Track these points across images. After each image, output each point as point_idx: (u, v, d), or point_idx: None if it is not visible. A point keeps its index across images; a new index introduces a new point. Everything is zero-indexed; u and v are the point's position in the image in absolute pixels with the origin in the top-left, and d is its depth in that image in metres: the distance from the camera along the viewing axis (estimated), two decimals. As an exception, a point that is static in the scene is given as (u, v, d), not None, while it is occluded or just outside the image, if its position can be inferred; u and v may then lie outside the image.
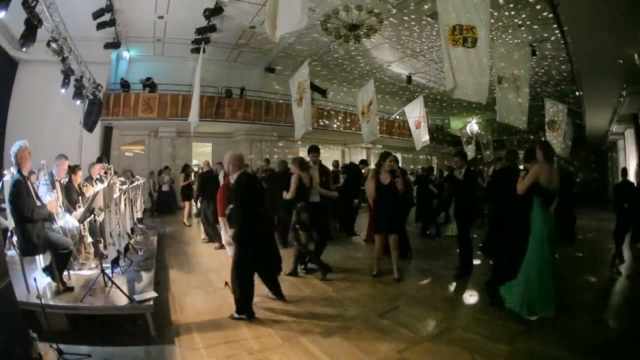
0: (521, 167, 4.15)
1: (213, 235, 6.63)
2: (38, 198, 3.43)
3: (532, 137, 18.37)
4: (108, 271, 3.57)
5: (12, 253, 3.64)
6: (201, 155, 14.32)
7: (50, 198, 3.69)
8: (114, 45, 10.45)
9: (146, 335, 2.98)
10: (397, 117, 16.11)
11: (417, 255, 5.92)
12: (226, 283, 3.78)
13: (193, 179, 9.30)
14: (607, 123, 11.78)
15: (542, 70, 12.81)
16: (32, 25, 5.66)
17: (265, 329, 3.21)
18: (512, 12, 9.02)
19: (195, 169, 10.74)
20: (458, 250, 5.04)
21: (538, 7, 8.57)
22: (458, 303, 4.06)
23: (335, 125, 14.60)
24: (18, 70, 9.96)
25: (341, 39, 10.47)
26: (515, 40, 10.20)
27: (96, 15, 8.65)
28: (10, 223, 3.53)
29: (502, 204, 4.17)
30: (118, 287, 3.28)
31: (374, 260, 4.91)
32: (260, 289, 3.71)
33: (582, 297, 4.19)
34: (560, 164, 10.60)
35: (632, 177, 5.48)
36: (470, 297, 4.25)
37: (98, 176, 5.82)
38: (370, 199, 4.99)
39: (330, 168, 7.95)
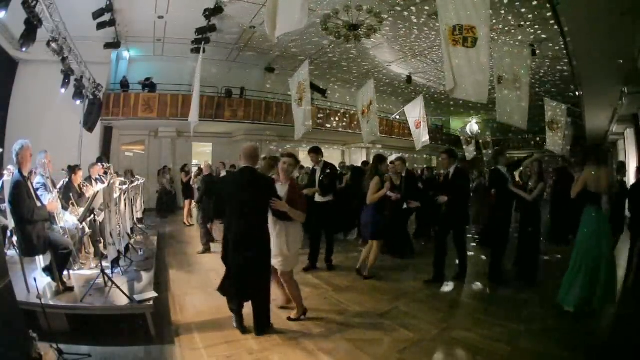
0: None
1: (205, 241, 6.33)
2: (38, 199, 3.43)
3: (530, 136, 18.42)
4: (108, 271, 3.57)
5: (12, 253, 3.64)
6: (201, 155, 14.33)
7: (49, 197, 3.67)
8: (114, 45, 10.45)
9: (146, 335, 2.98)
10: (397, 117, 16.10)
11: (418, 256, 5.93)
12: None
13: (192, 176, 9.28)
14: (607, 123, 11.77)
15: (542, 71, 12.81)
16: (32, 25, 5.66)
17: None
18: (512, 12, 9.03)
19: (195, 168, 10.74)
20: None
21: (538, 7, 8.57)
22: (458, 303, 4.06)
23: (335, 125, 14.59)
24: (18, 70, 9.95)
25: (341, 39, 10.46)
26: (516, 40, 10.20)
27: (96, 15, 8.64)
28: (10, 223, 3.53)
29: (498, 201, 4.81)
30: (118, 287, 3.28)
31: (364, 259, 4.84)
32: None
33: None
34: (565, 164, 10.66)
35: (632, 177, 5.46)
36: (470, 297, 4.26)
37: (98, 176, 5.83)
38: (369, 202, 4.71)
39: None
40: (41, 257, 3.45)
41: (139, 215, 7.66)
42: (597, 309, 3.54)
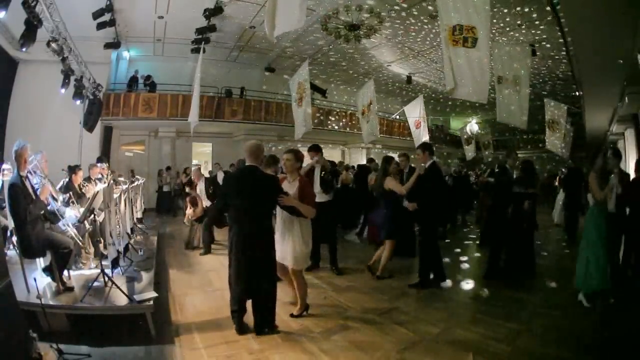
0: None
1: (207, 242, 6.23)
2: (37, 198, 3.42)
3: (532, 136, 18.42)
4: (108, 271, 3.56)
5: (12, 253, 3.64)
6: (201, 155, 14.34)
7: (43, 182, 3.59)
8: (114, 45, 10.46)
9: (146, 335, 2.98)
10: (397, 117, 16.11)
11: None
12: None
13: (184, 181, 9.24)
14: (607, 123, 11.77)
15: (542, 71, 12.81)
16: (32, 25, 5.66)
17: (265, 329, 3.20)
18: (512, 12, 9.03)
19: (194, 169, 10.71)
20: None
21: (538, 7, 8.57)
22: (458, 303, 4.05)
23: (335, 125, 14.59)
24: (18, 70, 9.95)
25: (341, 39, 10.47)
26: (516, 40, 10.21)
27: (96, 15, 8.65)
28: (10, 223, 3.53)
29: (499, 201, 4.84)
30: (118, 287, 3.28)
31: (377, 258, 4.85)
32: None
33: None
34: (568, 163, 10.69)
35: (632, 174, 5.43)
36: (470, 297, 4.26)
37: (99, 176, 5.82)
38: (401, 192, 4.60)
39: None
40: (41, 257, 3.45)
41: (139, 215, 7.65)
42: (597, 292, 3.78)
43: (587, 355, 2.82)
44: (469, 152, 15.33)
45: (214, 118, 12.20)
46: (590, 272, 3.78)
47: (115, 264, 3.93)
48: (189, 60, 11.96)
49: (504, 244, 4.81)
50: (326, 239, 5.03)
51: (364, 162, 16.14)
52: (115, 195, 4.32)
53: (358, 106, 9.58)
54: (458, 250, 6.59)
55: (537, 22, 9.34)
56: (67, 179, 4.97)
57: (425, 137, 10.96)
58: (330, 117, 14.54)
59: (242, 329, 3.10)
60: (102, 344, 2.80)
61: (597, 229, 3.88)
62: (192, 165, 11.94)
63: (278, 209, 3.28)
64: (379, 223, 4.91)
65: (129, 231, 5.25)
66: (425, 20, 9.94)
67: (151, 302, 3.13)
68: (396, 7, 9.30)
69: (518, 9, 8.67)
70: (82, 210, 4.14)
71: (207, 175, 7.81)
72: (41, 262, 3.46)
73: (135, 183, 7.19)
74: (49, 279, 3.36)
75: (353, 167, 10.25)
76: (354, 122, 14.23)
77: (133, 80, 11.99)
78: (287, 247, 3.28)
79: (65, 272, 3.60)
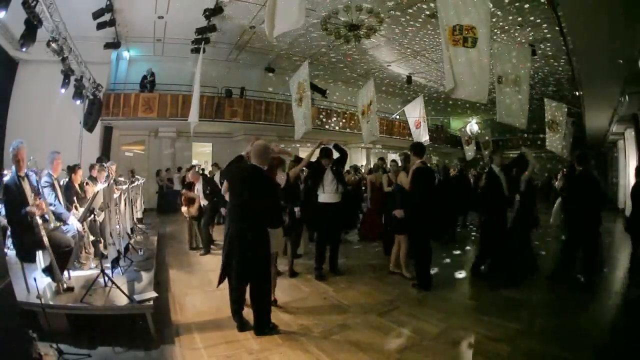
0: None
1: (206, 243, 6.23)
2: (37, 194, 3.42)
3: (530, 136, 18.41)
4: (108, 271, 3.56)
5: (12, 253, 3.64)
6: (201, 155, 14.34)
7: (39, 200, 3.47)
8: (114, 45, 10.45)
9: (146, 335, 2.98)
10: (397, 117, 16.11)
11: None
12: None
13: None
14: (607, 123, 11.78)
15: (542, 71, 12.81)
16: (32, 25, 5.66)
17: (265, 329, 3.21)
18: (512, 12, 9.03)
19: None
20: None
21: (538, 7, 8.57)
22: (458, 303, 4.05)
23: (335, 125, 14.59)
24: (18, 70, 9.94)
25: (341, 39, 10.46)
26: (516, 40, 10.20)
27: (96, 15, 8.64)
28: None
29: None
30: (118, 287, 3.28)
31: (395, 259, 4.90)
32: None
33: (583, 297, 4.19)
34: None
35: (632, 177, 5.45)
36: (471, 297, 4.26)
37: (108, 175, 5.81)
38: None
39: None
40: (41, 257, 3.45)
41: (139, 215, 7.65)
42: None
43: (587, 356, 2.82)
44: (469, 152, 15.34)
45: (214, 118, 12.19)
46: None
47: (115, 264, 3.93)
48: (189, 60, 11.95)
49: (497, 247, 4.85)
50: (331, 241, 4.92)
51: (364, 162, 16.20)
52: (115, 195, 4.32)
53: (358, 106, 9.59)
54: (458, 251, 6.59)
55: (537, 22, 9.33)
56: (67, 179, 4.95)
57: (425, 137, 10.99)
58: (330, 117, 14.53)
59: (242, 326, 3.14)
60: (102, 344, 2.80)
61: None
62: (192, 165, 11.95)
63: None
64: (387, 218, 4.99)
65: (129, 231, 5.25)
66: (425, 21, 9.93)
67: (151, 302, 3.14)
68: (397, 8, 9.30)
69: (519, 7, 8.66)
70: (81, 211, 4.14)
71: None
72: (41, 262, 3.46)
73: (135, 183, 7.19)
74: (49, 279, 3.35)
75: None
76: (354, 122, 14.23)
77: (145, 80, 12.00)
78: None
79: (65, 272, 3.60)
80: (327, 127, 14.29)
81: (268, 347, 2.88)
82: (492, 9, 7.82)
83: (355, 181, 7.91)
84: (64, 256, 3.41)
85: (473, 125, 18.25)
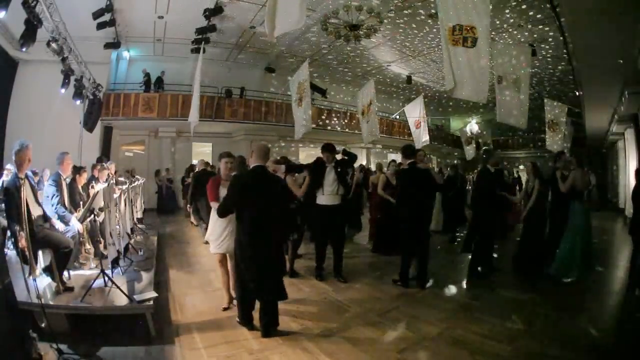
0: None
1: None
2: (37, 200, 3.42)
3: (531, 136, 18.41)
4: (108, 271, 3.56)
5: (12, 253, 3.64)
6: (201, 155, 14.30)
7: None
8: (114, 45, 10.45)
9: (146, 335, 2.98)
10: (397, 117, 16.10)
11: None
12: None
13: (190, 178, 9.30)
14: (607, 123, 11.77)
15: (542, 71, 12.80)
16: (32, 25, 5.65)
17: (265, 329, 3.20)
18: (513, 12, 9.03)
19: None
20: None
21: (538, 6, 8.57)
22: (458, 303, 4.05)
23: (335, 125, 14.59)
24: (18, 70, 9.93)
25: (341, 39, 10.46)
26: (516, 40, 10.20)
27: (96, 15, 8.64)
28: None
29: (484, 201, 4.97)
30: (118, 287, 3.28)
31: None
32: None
33: (584, 298, 4.19)
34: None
35: (632, 178, 5.45)
36: (471, 297, 4.25)
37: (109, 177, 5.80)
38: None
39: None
40: (41, 257, 3.44)
41: (139, 215, 7.65)
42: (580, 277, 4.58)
43: (587, 356, 2.82)
44: (469, 152, 15.34)
45: (214, 118, 12.19)
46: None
47: (115, 264, 3.93)
48: (189, 60, 11.95)
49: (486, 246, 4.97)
50: (333, 245, 4.72)
51: (364, 162, 16.19)
52: (115, 195, 4.32)
53: (358, 106, 9.59)
54: (458, 251, 6.58)
55: (537, 22, 9.33)
56: (70, 178, 4.90)
57: (425, 137, 10.98)
58: (330, 117, 14.52)
59: (253, 327, 3.16)
60: (102, 344, 2.80)
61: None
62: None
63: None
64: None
65: (129, 231, 5.25)
66: (425, 21, 9.93)
67: (151, 302, 3.14)
68: (397, 8, 9.29)
69: (519, 6, 8.66)
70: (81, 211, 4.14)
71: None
72: (41, 262, 3.46)
73: (136, 183, 7.18)
74: (49, 279, 3.35)
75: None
76: (354, 122, 14.22)
77: (147, 80, 12.03)
78: (230, 237, 3.43)
79: (65, 272, 3.60)
80: (327, 127, 14.28)
81: (268, 347, 2.88)
82: (494, 9, 7.82)
83: (358, 180, 7.90)
84: (63, 256, 3.41)
85: (473, 125, 18.24)
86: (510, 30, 9.91)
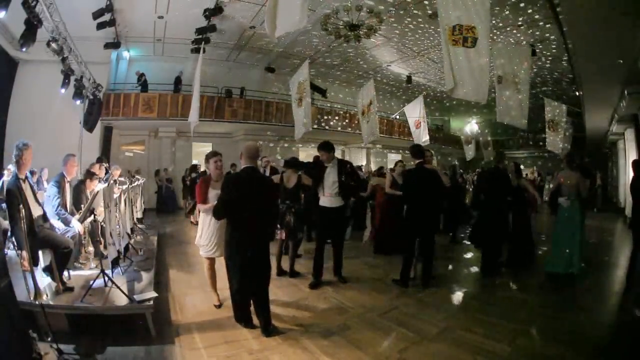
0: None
1: None
2: (37, 201, 3.41)
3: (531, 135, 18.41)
4: (108, 271, 3.56)
5: (12, 253, 3.64)
6: (201, 155, 14.30)
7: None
8: (114, 45, 10.45)
9: (146, 335, 2.98)
10: (397, 117, 16.10)
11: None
12: None
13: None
14: (607, 123, 11.77)
15: (542, 71, 12.81)
16: (32, 25, 5.65)
17: (265, 329, 3.20)
18: (513, 12, 9.03)
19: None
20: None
21: (538, 6, 8.57)
22: (458, 303, 4.06)
23: (335, 125, 14.59)
24: (18, 70, 9.94)
25: (341, 39, 10.46)
26: (516, 40, 10.20)
27: (96, 15, 8.64)
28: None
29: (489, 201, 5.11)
30: (118, 287, 3.28)
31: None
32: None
33: (584, 298, 4.19)
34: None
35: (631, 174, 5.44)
36: (471, 297, 4.26)
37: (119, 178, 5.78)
38: None
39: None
40: (41, 257, 3.44)
41: (139, 215, 7.65)
42: (574, 273, 4.74)
43: (587, 356, 2.82)
44: (469, 152, 15.34)
45: (214, 118, 12.19)
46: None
47: (115, 264, 3.92)
48: (189, 60, 11.95)
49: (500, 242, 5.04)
50: (334, 245, 4.60)
51: (364, 162, 16.20)
52: (115, 195, 4.31)
53: (358, 106, 9.59)
54: (458, 251, 6.59)
55: (537, 22, 9.34)
56: (77, 181, 4.82)
57: (425, 137, 10.98)
58: (330, 117, 14.53)
59: (252, 325, 3.17)
60: (102, 344, 2.80)
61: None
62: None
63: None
64: None
65: (129, 231, 5.25)
66: (425, 20, 9.93)
67: (151, 302, 3.13)
68: (397, 8, 9.29)
69: (519, 6, 8.66)
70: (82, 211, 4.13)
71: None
72: (41, 262, 3.46)
73: (136, 183, 7.18)
74: (49, 279, 3.35)
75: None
76: (354, 122, 14.23)
77: (144, 81, 12.03)
78: (216, 239, 3.51)
79: (65, 272, 3.60)
80: (327, 127, 14.29)
81: (268, 347, 2.88)
82: (494, 9, 7.82)
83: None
84: (63, 256, 3.41)
85: (473, 125, 18.24)
86: (510, 30, 9.91)
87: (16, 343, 2.22)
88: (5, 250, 3.39)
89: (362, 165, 11.88)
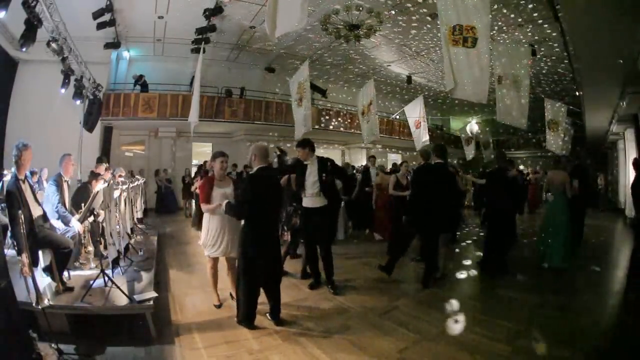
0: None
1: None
2: (36, 200, 3.41)
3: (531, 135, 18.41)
4: (108, 271, 3.56)
5: (12, 253, 3.64)
6: (201, 155, 14.32)
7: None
8: (114, 45, 10.45)
9: (146, 335, 2.98)
10: (397, 117, 16.10)
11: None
12: (232, 295, 3.77)
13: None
14: (607, 123, 11.76)
15: (542, 71, 12.80)
16: (32, 25, 5.65)
17: (265, 329, 3.21)
18: (513, 12, 9.02)
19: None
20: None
21: (538, 6, 8.56)
22: (458, 303, 4.05)
23: (335, 125, 14.59)
24: (18, 70, 9.94)
25: (341, 39, 10.46)
26: (516, 40, 10.19)
27: (96, 15, 8.64)
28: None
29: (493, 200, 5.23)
30: (118, 287, 3.28)
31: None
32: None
33: (584, 298, 4.19)
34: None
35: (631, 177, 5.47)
36: (471, 297, 4.26)
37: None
38: None
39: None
40: (41, 257, 3.44)
41: (139, 215, 7.65)
42: (566, 266, 5.05)
43: (587, 356, 2.82)
44: (469, 152, 15.33)
45: (214, 118, 12.19)
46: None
47: (115, 264, 3.92)
48: (189, 60, 11.95)
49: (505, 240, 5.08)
50: (321, 251, 4.36)
51: (364, 162, 16.19)
52: (115, 195, 4.31)
53: (358, 106, 9.59)
54: (457, 250, 6.59)
55: (537, 22, 9.33)
56: (81, 181, 4.80)
57: (425, 137, 10.98)
58: (330, 117, 14.52)
59: (254, 326, 3.24)
60: (102, 344, 2.80)
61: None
62: (192, 165, 11.97)
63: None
64: None
65: (129, 231, 5.25)
66: (425, 20, 9.93)
67: (151, 302, 3.14)
68: (397, 8, 9.29)
69: (519, 6, 8.66)
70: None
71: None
72: (41, 262, 3.46)
73: (136, 183, 7.18)
74: (49, 279, 3.35)
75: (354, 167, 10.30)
76: (354, 122, 14.22)
77: (137, 84, 12.02)
78: (235, 241, 3.50)
79: (65, 272, 3.60)
80: (327, 127, 14.28)
81: (268, 347, 2.89)
82: (494, 9, 7.82)
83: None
84: (63, 256, 3.41)
85: (473, 125, 18.22)
86: (510, 30, 9.90)
87: (16, 343, 2.22)
88: (5, 250, 3.38)
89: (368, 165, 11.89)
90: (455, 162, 16.98)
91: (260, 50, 12.56)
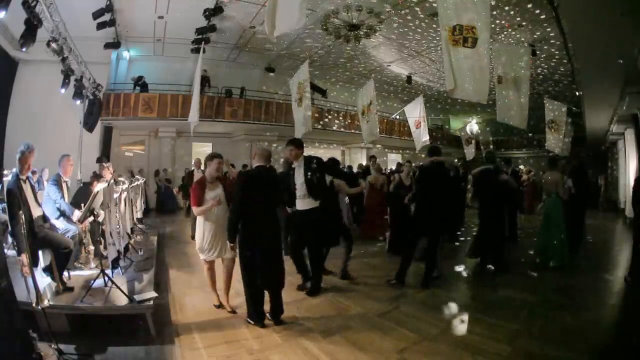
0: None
1: None
2: (36, 200, 3.41)
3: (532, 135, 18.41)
4: (108, 271, 3.56)
5: (12, 253, 3.63)
6: (201, 155, 14.29)
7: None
8: (114, 45, 10.46)
9: (146, 335, 2.98)
10: (397, 117, 16.10)
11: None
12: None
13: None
14: (607, 123, 11.76)
15: (542, 71, 12.80)
16: (32, 25, 5.65)
17: (265, 329, 3.21)
18: (513, 12, 9.02)
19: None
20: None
21: (539, 7, 8.57)
22: (458, 303, 4.05)
23: (335, 126, 14.59)
24: (18, 70, 9.94)
25: (341, 39, 10.46)
26: (516, 40, 10.20)
27: (96, 15, 8.65)
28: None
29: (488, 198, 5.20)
30: (118, 287, 3.28)
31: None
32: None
33: (583, 298, 4.19)
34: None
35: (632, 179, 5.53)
36: (470, 297, 4.26)
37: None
38: None
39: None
40: (41, 257, 3.44)
41: (139, 215, 7.65)
42: (564, 264, 5.14)
43: (587, 356, 2.82)
44: (469, 152, 15.33)
45: (214, 118, 12.20)
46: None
47: (115, 264, 3.92)
48: (189, 60, 11.95)
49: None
50: (309, 253, 4.27)
51: (364, 162, 16.19)
52: (115, 195, 4.32)
53: (358, 106, 9.58)
54: (457, 251, 6.58)
55: (537, 22, 9.33)
56: (82, 182, 4.82)
57: (425, 137, 10.97)
58: (330, 117, 14.52)
59: (264, 324, 3.24)
60: (102, 344, 2.80)
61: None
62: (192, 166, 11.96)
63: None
64: None
65: (129, 231, 5.25)
66: (425, 20, 9.93)
67: (151, 302, 3.14)
68: (396, 8, 9.29)
69: (519, 6, 8.66)
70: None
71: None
72: (41, 262, 3.46)
73: (136, 183, 7.18)
74: (49, 279, 3.35)
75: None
76: (354, 122, 14.22)
77: (137, 84, 12.02)
78: (220, 242, 3.55)
79: (65, 272, 3.60)
80: (327, 127, 14.29)
81: (268, 347, 2.89)
82: (494, 9, 7.82)
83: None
84: (63, 256, 3.41)
85: (473, 125, 18.24)
86: (510, 30, 9.90)
87: (16, 343, 2.22)
88: (5, 249, 3.38)
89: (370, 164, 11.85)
90: (455, 160, 16.98)
91: (260, 50, 12.56)
